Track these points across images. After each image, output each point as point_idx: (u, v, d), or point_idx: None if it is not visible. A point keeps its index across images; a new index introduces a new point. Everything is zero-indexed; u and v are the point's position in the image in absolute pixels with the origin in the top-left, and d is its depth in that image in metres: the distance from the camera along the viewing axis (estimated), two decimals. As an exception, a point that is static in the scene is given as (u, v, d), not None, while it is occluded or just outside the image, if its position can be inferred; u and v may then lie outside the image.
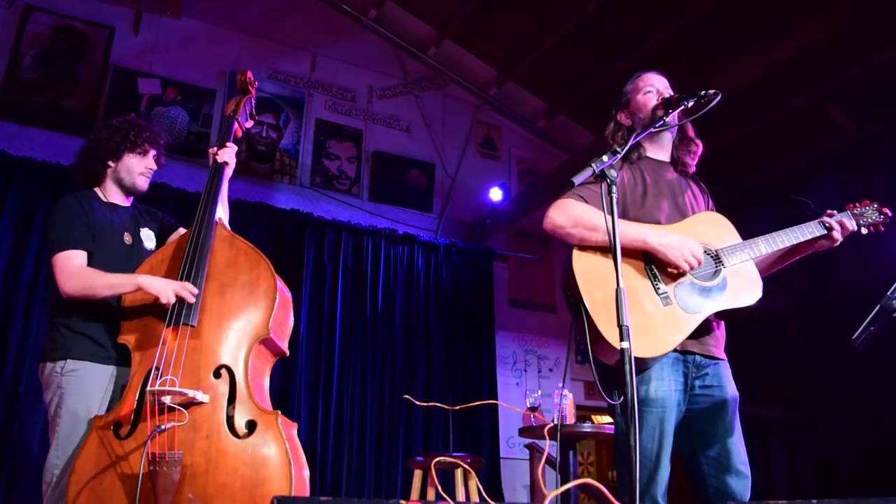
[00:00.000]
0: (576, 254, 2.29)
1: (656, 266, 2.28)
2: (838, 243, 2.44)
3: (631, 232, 2.24)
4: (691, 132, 2.56)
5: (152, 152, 2.87)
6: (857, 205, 2.50)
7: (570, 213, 2.30)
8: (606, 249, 2.24)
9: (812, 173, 6.32)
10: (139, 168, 2.83)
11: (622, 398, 1.92)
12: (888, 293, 2.28)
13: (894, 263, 2.34)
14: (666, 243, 2.24)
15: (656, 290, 2.23)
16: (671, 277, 2.26)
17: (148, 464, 2.20)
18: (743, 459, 2.24)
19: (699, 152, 2.56)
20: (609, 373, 2.22)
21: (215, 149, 2.98)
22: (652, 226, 2.30)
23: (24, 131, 5.43)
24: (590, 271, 2.25)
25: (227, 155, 2.97)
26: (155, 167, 2.89)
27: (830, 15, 5.22)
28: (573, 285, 2.24)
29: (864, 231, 2.48)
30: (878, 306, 2.29)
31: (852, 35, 5.32)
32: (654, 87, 2.52)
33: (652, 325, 2.18)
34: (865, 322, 2.29)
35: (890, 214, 2.51)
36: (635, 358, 1.88)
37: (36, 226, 5.13)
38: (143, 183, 2.86)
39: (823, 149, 6.46)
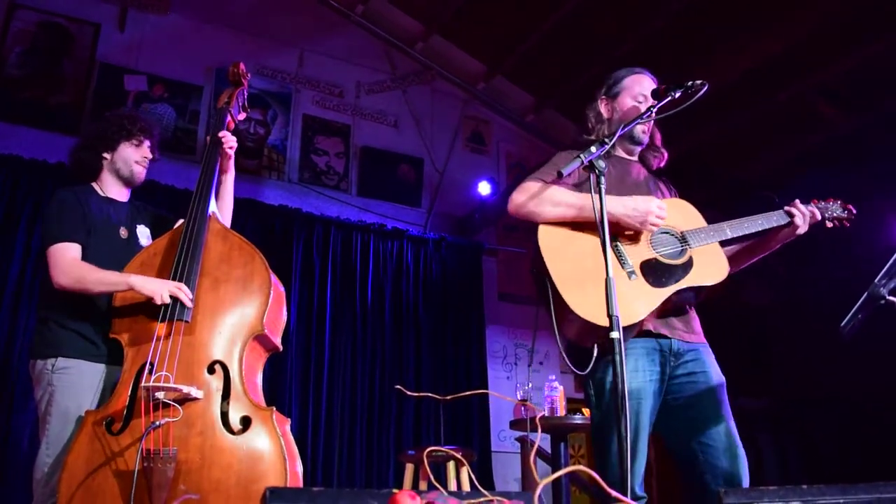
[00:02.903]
0: (542, 229, 2.32)
1: (622, 244, 2.31)
2: (802, 232, 2.47)
3: (591, 206, 2.13)
4: (658, 140, 2.62)
5: (147, 142, 2.88)
6: (822, 201, 2.56)
7: (528, 190, 2.36)
8: (573, 225, 2.30)
9: (799, 166, 6.34)
10: (135, 157, 2.83)
11: (586, 374, 2.14)
12: (876, 280, 2.31)
13: (878, 257, 2.36)
14: (629, 213, 2.27)
15: (622, 265, 2.26)
16: (637, 255, 2.29)
17: (142, 460, 2.18)
18: (737, 441, 2.23)
19: (664, 161, 2.63)
20: (582, 355, 2.23)
21: (208, 138, 2.98)
22: (615, 197, 2.30)
23: (10, 129, 5.38)
24: (556, 246, 2.28)
25: (232, 140, 2.98)
26: (151, 157, 2.89)
27: (818, 7, 5.25)
28: (539, 260, 2.26)
29: (829, 224, 2.54)
30: (865, 294, 2.32)
31: (840, 27, 5.35)
32: (647, 98, 2.49)
33: (619, 296, 2.18)
34: (853, 309, 2.32)
35: (855, 212, 2.56)
36: (606, 340, 1.90)
37: (22, 223, 5.11)
38: (139, 171, 2.85)
39: (811, 142, 6.48)
